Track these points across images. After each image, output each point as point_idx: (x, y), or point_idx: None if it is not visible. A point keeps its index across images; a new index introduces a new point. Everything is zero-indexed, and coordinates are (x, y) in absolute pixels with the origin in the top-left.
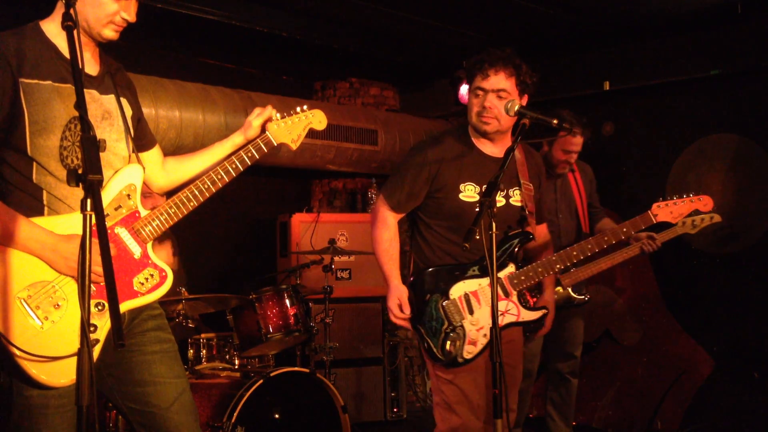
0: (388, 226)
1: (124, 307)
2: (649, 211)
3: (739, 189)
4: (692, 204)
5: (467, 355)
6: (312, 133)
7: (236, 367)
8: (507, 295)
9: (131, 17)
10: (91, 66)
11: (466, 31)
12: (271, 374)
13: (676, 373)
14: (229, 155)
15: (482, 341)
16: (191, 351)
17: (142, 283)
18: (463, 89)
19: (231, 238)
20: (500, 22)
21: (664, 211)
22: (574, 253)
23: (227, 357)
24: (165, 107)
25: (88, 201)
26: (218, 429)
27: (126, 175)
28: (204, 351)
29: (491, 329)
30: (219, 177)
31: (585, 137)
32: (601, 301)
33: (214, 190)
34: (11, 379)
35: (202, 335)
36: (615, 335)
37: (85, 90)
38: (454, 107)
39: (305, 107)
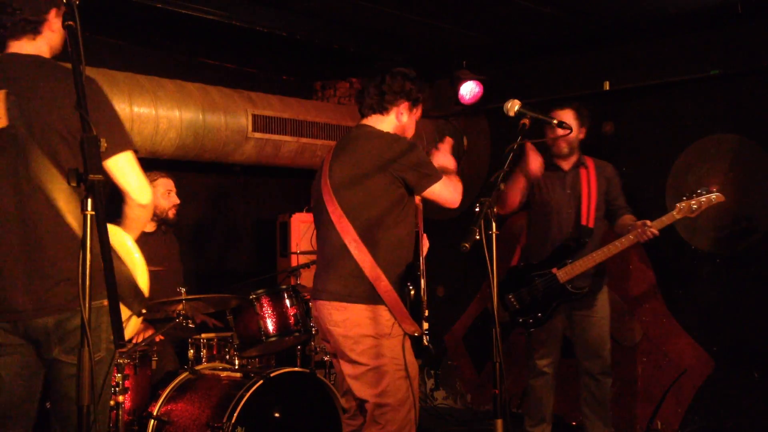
0: None
1: None
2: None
3: (739, 189)
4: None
5: None
6: (312, 133)
7: (236, 367)
8: None
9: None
10: None
11: (466, 31)
12: (271, 374)
13: (676, 373)
14: None
15: None
16: (191, 351)
17: None
18: (464, 89)
19: (231, 238)
20: (500, 22)
21: None
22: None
23: (227, 357)
24: (165, 107)
25: (89, 201)
26: (218, 429)
27: None
28: (204, 351)
29: (492, 328)
30: None
31: (578, 116)
32: None
33: None
34: None
35: (202, 335)
36: (615, 335)
37: None
38: (454, 107)
39: None
